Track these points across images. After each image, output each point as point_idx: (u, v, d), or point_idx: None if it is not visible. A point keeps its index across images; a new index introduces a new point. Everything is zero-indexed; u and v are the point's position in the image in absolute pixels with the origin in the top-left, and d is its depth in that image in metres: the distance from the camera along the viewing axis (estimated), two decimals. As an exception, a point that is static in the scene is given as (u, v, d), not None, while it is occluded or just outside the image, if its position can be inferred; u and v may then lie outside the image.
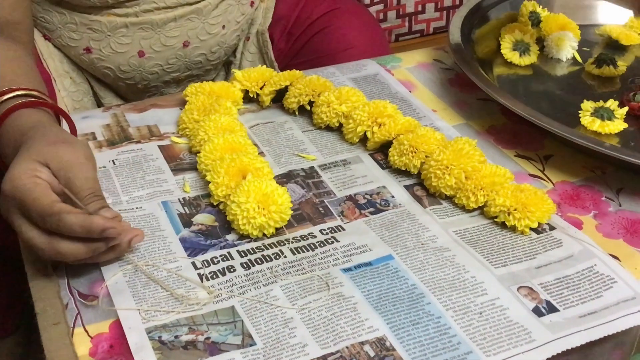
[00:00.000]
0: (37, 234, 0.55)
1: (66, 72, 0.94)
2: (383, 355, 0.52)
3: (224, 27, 0.93)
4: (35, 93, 0.66)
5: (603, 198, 0.70)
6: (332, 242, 0.63)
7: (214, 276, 0.59)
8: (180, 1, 0.88)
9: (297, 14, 1.04)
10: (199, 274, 0.59)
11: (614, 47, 0.94)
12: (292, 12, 1.04)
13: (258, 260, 0.61)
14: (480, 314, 0.56)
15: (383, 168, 0.73)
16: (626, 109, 0.78)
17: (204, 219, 0.66)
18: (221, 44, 0.95)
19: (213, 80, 1.02)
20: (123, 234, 0.57)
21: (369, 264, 0.61)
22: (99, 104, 1.00)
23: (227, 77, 1.05)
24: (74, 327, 0.55)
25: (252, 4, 0.98)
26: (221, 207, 0.66)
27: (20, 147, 0.60)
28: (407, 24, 1.69)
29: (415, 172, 0.71)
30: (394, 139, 0.73)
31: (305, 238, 0.64)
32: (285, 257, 0.61)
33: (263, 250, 0.62)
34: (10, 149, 0.63)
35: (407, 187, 0.70)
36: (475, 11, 0.93)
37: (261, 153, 0.74)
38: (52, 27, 0.90)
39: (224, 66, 1.05)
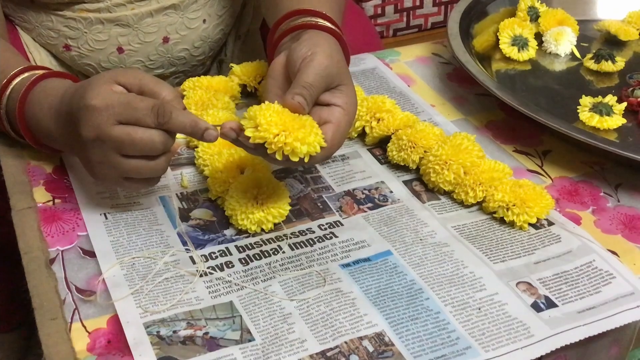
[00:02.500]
0: (152, 131, 0.57)
1: (53, 65, 0.93)
2: (382, 350, 0.52)
3: (204, 21, 0.92)
4: (46, 70, 0.67)
5: (601, 194, 0.70)
6: (331, 238, 0.63)
7: (212, 271, 0.59)
8: None
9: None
10: (197, 270, 0.59)
11: (612, 42, 0.94)
12: None
13: (256, 255, 0.61)
14: (479, 309, 0.56)
15: (382, 163, 0.73)
16: (625, 104, 0.78)
17: (201, 213, 0.65)
18: (204, 39, 0.94)
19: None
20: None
21: (367, 259, 0.61)
22: None
23: (219, 74, 1.04)
24: (71, 322, 0.54)
25: None
26: (219, 202, 0.66)
27: (60, 101, 0.62)
28: (405, 18, 1.69)
29: (414, 168, 0.71)
30: (393, 134, 0.73)
31: (303, 233, 0.63)
32: (283, 252, 0.61)
33: (261, 245, 0.62)
34: (44, 112, 0.64)
35: (405, 183, 0.70)
36: (474, 6, 0.93)
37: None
38: (30, 26, 0.89)
39: (216, 64, 1.04)
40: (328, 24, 0.67)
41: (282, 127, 0.55)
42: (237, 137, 0.57)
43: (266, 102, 0.57)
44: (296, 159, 0.56)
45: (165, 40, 0.90)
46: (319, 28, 0.66)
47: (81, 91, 0.59)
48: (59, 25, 0.87)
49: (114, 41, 0.88)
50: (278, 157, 0.56)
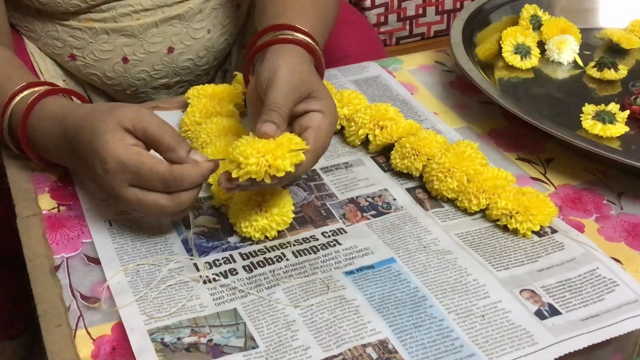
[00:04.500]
0: (159, 196, 0.59)
1: (59, 74, 0.94)
2: (385, 357, 0.52)
3: (209, 31, 0.93)
4: (48, 87, 0.68)
5: (605, 201, 0.70)
6: (334, 245, 0.63)
7: (216, 278, 0.59)
8: (157, 3, 0.87)
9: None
10: (200, 277, 0.59)
11: (614, 50, 0.94)
12: None
13: (260, 263, 0.61)
14: (483, 316, 0.56)
15: (385, 171, 0.73)
16: (627, 112, 0.78)
17: (205, 221, 0.66)
18: (208, 49, 0.95)
19: None
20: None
21: (371, 266, 0.61)
22: None
23: (224, 84, 1.04)
24: (76, 329, 0.55)
25: (238, 6, 0.97)
26: (223, 209, 0.66)
27: (64, 128, 0.63)
28: (408, 27, 1.69)
29: (417, 175, 0.71)
30: (396, 141, 0.73)
31: (307, 241, 0.64)
32: (287, 259, 0.61)
33: (265, 252, 0.62)
34: (46, 134, 0.65)
35: (409, 190, 0.71)
36: (477, 14, 0.93)
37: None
38: (36, 36, 0.90)
39: (220, 73, 1.04)
40: (297, 35, 0.68)
41: (260, 153, 0.57)
42: (236, 184, 0.59)
43: (240, 139, 0.59)
44: (283, 174, 0.58)
45: (170, 50, 0.91)
46: (285, 42, 0.67)
47: (93, 146, 0.59)
48: (64, 35, 0.88)
49: (119, 51, 0.89)
50: (267, 180, 0.58)
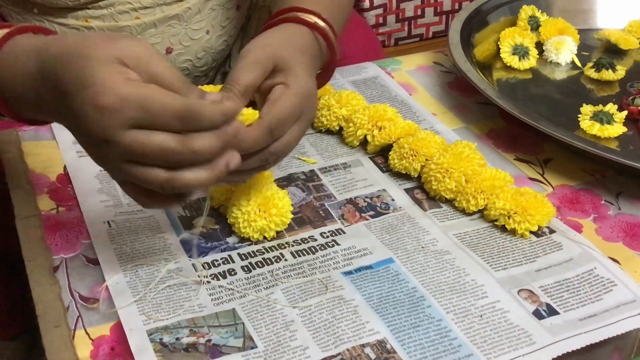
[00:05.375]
0: (168, 137, 0.47)
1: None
2: (384, 357, 0.52)
3: (208, 32, 0.93)
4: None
5: (602, 202, 0.70)
6: (333, 246, 0.63)
7: (215, 279, 0.59)
8: (157, 1, 0.87)
9: None
10: (199, 277, 0.59)
11: (612, 51, 0.94)
12: None
13: (259, 263, 0.61)
14: (481, 316, 0.56)
15: (383, 171, 0.74)
16: (625, 113, 0.78)
17: (204, 221, 0.66)
18: (207, 50, 0.95)
19: None
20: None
21: (369, 267, 0.61)
22: None
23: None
24: (75, 330, 0.55)
25: (237, 8, 0.97)
26: (222, 210, 0.66)
27: (41, 61, 0.50)
28: (406, 28, 1.69)
29: (416, 176, 0.71)
30: (394, 142, 0.73)
31: (305, 241, 0.64)
32: (286, 260, 0.61)
33: (264, 253, 0.62)
34: (18, 75, 0.52)
35: (407, 191, 0.71)
36: (475, 15, 0.93)
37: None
38: None
39: (220, 75, 1.05)
40: (299, 15, 0.63)
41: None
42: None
43: None
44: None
45: (169, 51, 0.91)
46: (285, 21, 0.64)
47: (81, 76, 0.47)
48: (62, 34, 0.88)
49: None
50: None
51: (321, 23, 0.65)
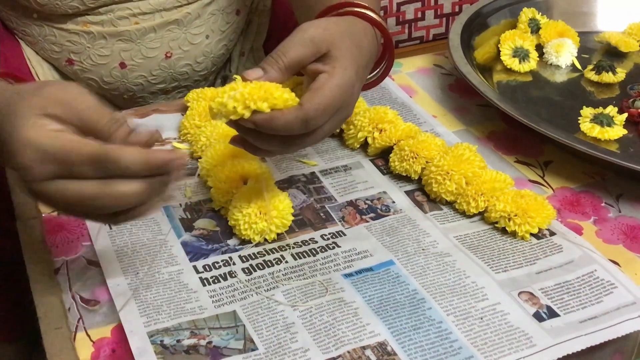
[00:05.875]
0: (85, 184, 0.48)
1: (56, 79, 0.94)
2: (384, 359, 0.52)
3: (207, 36, 0.93)
4: None
5: (603, 204, 0.70)
6: (333, 248, 0.63)
7: (216, 281, 0.59)
8: (156, 7, 0.87)
9: (291, 29, 1.03)
10: (200, 278, 0.59)
11: (613, 53, 0.94)
12: (287, 27, 1.04)
13: (259, 265, 0.61)
14: (481, 319, 0.56)
15: (384, 174, 0.74)
16: (625, 115, 0.78)
17: (205, 223, 0.66)
18: (207, 54, 0.94)
19: None
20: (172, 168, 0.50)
21: (370, 269, 0.61)
22: None
23: None
24: (76, 332, 0.55)
25: (237, 12, 0.97)
26: (222, 212, 0.66)
27: None
28: (406, 30, 1.70)
29: (416, 178, 0.71)
30: (395, 144, 0.73)
31: (306, 243, 0.64)
32: (286, 262, 0.62)
33: (264, 255, 0.62)
34: None
35: (407, 193, 0.71)
36: (475, 18, 0.93)
37: (262, 159, 0.75)
38: (34, 40, 0.90)
39: (220, 79, 1.05)
40: (356, 9, 0.63)
41: (233, 89, 0.53)
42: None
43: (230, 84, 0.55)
44: (257, 108, 0.52)
45: (168, 55, 0.91)
46: (345, 14, 0.63)
47: (8, 132, 0.48)
48: (62, 39, 0.88)
49: (116, 56, 0.89)
50: (243, 112, 0.52)
51: (378, 18, 0.64)
